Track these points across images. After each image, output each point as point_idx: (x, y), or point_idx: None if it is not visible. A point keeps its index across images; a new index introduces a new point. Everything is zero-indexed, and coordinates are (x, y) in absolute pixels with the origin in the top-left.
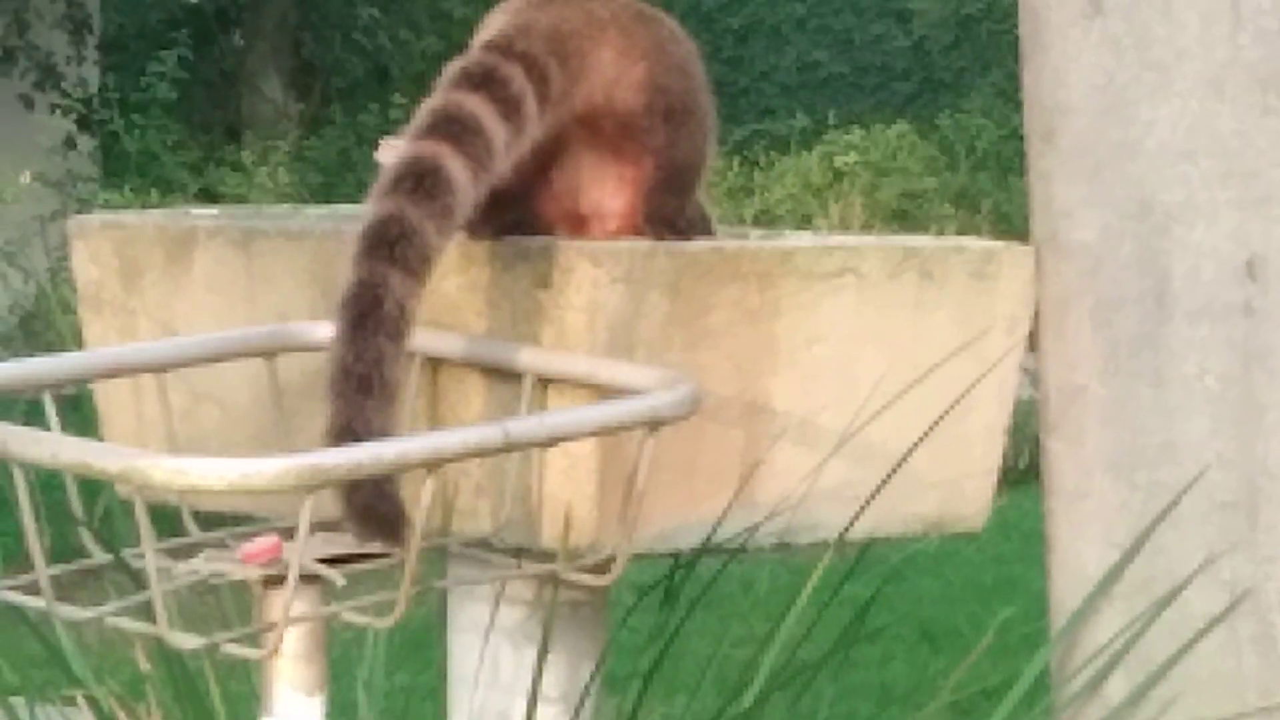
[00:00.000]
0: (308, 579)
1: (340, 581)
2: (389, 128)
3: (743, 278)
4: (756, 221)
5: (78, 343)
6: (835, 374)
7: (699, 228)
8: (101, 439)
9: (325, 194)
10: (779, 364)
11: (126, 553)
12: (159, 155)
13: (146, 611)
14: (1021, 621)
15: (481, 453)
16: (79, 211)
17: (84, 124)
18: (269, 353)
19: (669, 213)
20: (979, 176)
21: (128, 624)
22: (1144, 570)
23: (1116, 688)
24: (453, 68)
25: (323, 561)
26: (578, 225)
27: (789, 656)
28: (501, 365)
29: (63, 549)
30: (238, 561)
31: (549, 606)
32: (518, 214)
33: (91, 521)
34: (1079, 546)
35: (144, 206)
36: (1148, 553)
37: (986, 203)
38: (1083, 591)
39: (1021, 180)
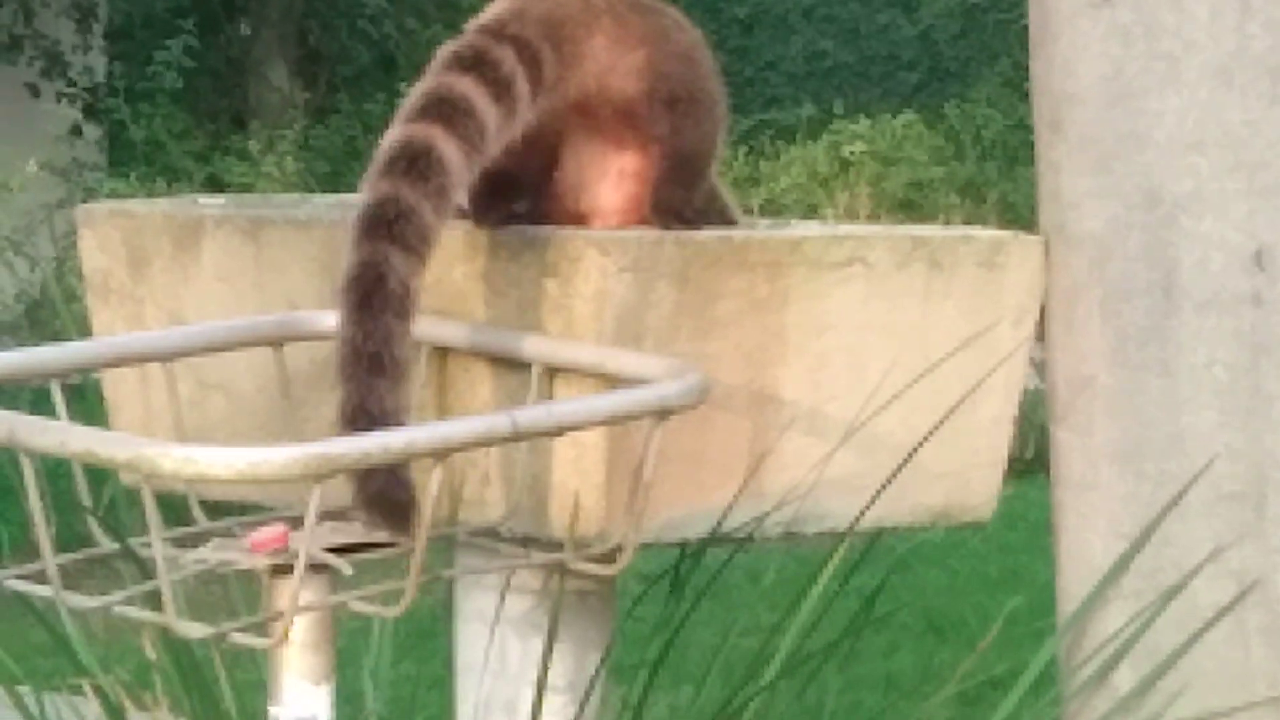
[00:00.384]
0: (315, 568)
1: (348, 570)
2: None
3: (751, 267)
4: (762, 211)
5: (84, 332)
6: (843, 364)
7: (710, 217)
8: (108, 428)
9: (331, 183)
10: (787, 354)
11: (134, 541)
12: (165, 144)
13: (154, 600)
14: (1028, 612)
15: (489, 442)
16: (85, 200)
17: (90, 112)
18: (277, 341)
19: (676, 203)
20: (986, 166)
21: (135, 613)
22: (1152, 561)
23: (1124, 678)
24: (444, 50)
25: (331, 550)
26: (582, 216)
27: (796, 646)
28: (509, 354)
29: (70, 538)
30: (245, 550)
31: (556, 596)
32: (523, 203)
33: (98, 510)
34: (1087, 537)
35: (150, 195)
36: (1155, 543)
37: (993, 193)
38: (1090, 582)
39: (1028, 170)
